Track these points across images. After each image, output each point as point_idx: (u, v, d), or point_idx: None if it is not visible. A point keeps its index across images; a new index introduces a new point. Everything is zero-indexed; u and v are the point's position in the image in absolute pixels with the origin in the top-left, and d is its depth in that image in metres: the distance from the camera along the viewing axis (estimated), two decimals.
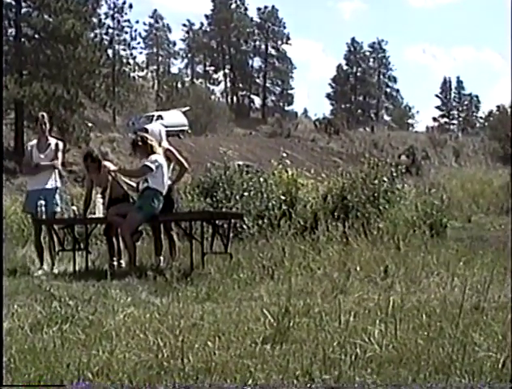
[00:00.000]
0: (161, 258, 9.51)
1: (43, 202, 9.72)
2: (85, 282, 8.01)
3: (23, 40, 41.61)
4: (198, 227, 9.78)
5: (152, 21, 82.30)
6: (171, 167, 9.89)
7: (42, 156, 9.97)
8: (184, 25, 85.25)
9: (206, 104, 60.75)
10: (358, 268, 7.92)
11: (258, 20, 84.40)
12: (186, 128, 49.94)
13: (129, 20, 65.63)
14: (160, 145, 9.60)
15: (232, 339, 4.82)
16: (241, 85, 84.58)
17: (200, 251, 8.96)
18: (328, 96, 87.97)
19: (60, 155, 10.06)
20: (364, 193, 13.13)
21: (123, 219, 9.19)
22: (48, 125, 10.21)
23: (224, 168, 14.43)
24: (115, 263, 9.82)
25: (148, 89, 69.27)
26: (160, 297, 6.85)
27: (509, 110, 57.81)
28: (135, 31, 67.41)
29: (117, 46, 63.63)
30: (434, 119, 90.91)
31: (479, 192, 23.69)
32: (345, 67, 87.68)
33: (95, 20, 47.52)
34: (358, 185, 13.31)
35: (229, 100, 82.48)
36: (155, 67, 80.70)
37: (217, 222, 9.48)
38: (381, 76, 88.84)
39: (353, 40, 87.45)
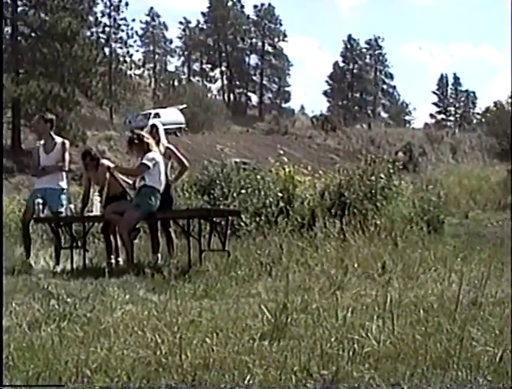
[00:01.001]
0: (159, 255, 9.51)
1: (40, 200, 9.72)
2: (83, 280, 8.01)
3: (19, 38, 41.66)
4: (196, 224, 9.79)
5: (149, 19, 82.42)
6: (169, 164, 9.89)
7: (49, 157, 9.95)
8: (180, 23, 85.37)
9: (203, 102, 60.77)
10: (356, 264, 7.93)
11: (255, 18, 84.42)
12: (183, 126, 50.00)
13: (125, 18, 65.91)
14: (159, 143, 9.61)
15: (230, 336, 4.82)
16: (237, 82, 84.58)
17: (198, 248, 8.96)
18: (325, 92, 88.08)
19: (67, 156, 10.05)
20: (361, 189, 13.13)
21: (121, 217, 9.19)
22: (52, 124, 10.18)
23: (221, 165, 14.45)
24: (113, 261, 9.82)
25: (145, 87, 69.37)
26: (157, 294, 6.85)
27: (506, 106, 57.79)
28: (132, 29, 67.96)
29: (113, 44, 63.71)
30: (431, 115, 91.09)
31: (476, 188, 23.74)
32: (342, 64, 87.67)
33: (91, 18, 47.64)
34: (355, 182, 13.31)
35: (226, 97, 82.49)
36: (151, 65, 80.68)
37: (215, 219, 9.48)
38: (378, 73, 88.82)
39: (350, 37, 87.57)
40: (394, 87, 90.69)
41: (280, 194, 13.23)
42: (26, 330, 5.17)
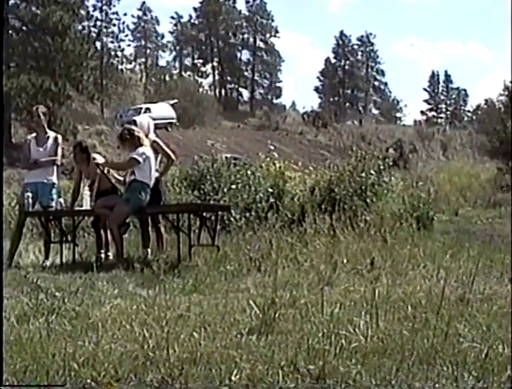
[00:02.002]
0: (148, 250, 9.51)
1: (30, 194, 9.69)
2: (72, 274, 8.01)
3: (10, 32, 41.47)
4: (186, 219, 9.80)
5: (140, 13, 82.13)
6: (158, 159, 9.89)
7: (41, 151, 9.91)
8: (172, 18, 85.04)
9: (195, 97, 60.70)
10: (345, 260, 7.95)
11: (247, 13, 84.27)
12: (174, 121, 49.92)
13: (117, 12, 65.79)
14: (147, 137, 9.59)
15: (218, 331, 4.84)
16: (229, 78, 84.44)
17: (187, 243, 8.97)
18: (316, 89, 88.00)
19: (60, 150, 10.01)
20: (351, 186, 13.16)
21: (111, 211, 9.18)
22: (46, 117, 10.13)
23: (211, 160, 14.43)
24: (102, 255, 9.81)
25: (136, 82, 69.21)
26: (146, 288, 6.86)
27: (497, 104, 57.87)
28: (123, 23, 67.52)
29: (105, 39, 63.56)
30: (422, 113, 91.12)
31: (466, 185, 23.81)
32: (333, 60, 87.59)
33: (83, 12, 47.34)
34: (345, 178, 13.34)
35: (217, 92, 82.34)
36: (143, 60, 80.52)
37: (204, 214, 9.49)
38: (370, 69, 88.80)
39: (341, 33, 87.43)
40: (386, 84, 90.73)
41: (270, 190, 13.25)
42: (14, 323, 5.17)
